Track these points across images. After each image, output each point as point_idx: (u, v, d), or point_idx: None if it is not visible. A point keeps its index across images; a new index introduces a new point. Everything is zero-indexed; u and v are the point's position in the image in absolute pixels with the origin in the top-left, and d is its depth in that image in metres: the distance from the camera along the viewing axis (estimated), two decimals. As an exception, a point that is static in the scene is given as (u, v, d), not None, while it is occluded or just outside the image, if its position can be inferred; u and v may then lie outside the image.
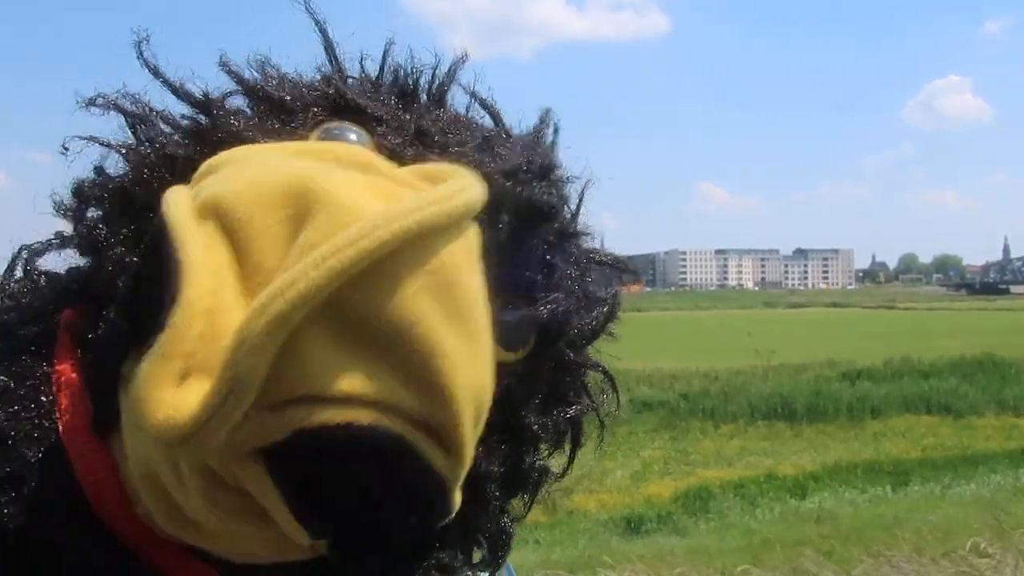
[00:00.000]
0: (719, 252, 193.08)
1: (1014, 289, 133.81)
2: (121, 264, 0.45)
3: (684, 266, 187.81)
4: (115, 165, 0.56)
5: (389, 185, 0.40)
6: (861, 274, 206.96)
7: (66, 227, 0.55)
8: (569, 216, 0.60)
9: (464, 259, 0.38)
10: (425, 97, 0.59)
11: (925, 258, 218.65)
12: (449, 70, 0.61)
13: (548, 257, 0.53)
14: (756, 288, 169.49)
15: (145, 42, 0.56)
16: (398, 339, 0.36)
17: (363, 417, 0.36)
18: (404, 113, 0.55)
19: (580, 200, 0.62)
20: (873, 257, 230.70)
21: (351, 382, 0.36)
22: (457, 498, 0.43)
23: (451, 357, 0.37)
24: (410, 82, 0.59)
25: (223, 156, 0.45)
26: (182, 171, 0.48)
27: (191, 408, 0.34)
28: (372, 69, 0.61)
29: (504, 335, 0.49)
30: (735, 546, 9.35)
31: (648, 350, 34.75)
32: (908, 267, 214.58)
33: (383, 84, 0.59)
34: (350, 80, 0.59)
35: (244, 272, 0.37)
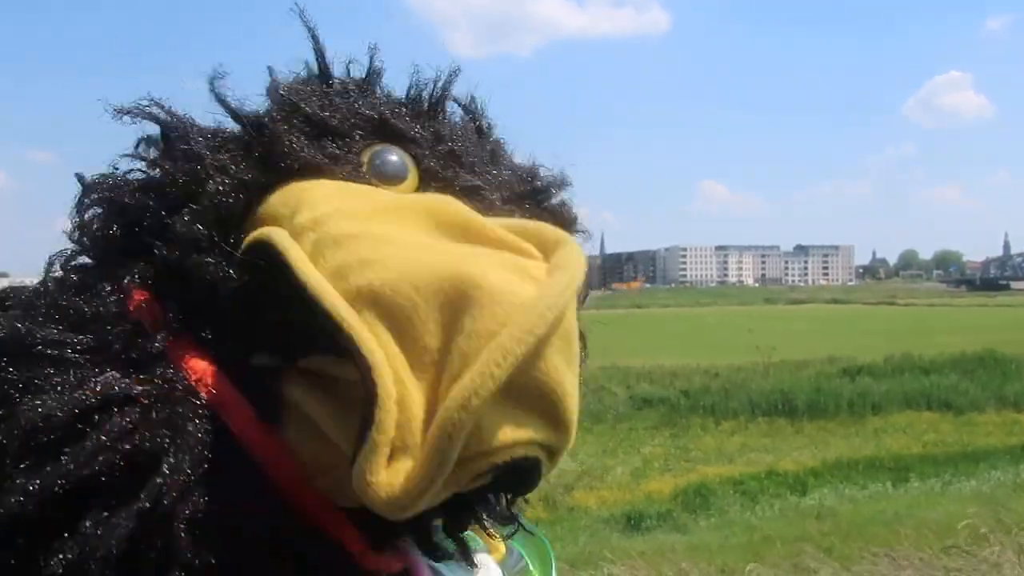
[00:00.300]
0: (719, 248, 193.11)
1: (1015, 285, 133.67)
2: (225, 287, 0.50)
3: (684, 262, 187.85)
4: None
5: (515, 259, 0.47)
6: (861, 270, 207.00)
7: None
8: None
9: (575, 313, 0.46)
10: (433, 110, 0.64)
11: (925, 254, 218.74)
12: (445, 83, 0.64)
13: None
14: (756, 284, 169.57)
15: (220, 78, 0.59)
16: (546, 396, 0.44)
17: (520, 452, 0.45)
18: (435, 132, 0.60)
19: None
20: (874, 253, 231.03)
21: (514, 433, 0.44)
22: None
23: (572, 395, 0.45)
24: (425, 100, 0.63)
25: (321, 211, 0.50)
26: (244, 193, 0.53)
27: (403, 485, 0.42)
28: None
29: None
30: (736, 543, 9.36)
31: (648, 347, 34.73)
32: (908, 263, 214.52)
33: (407, 102, 0.63)
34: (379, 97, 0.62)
35: (412, 355, 0.44)
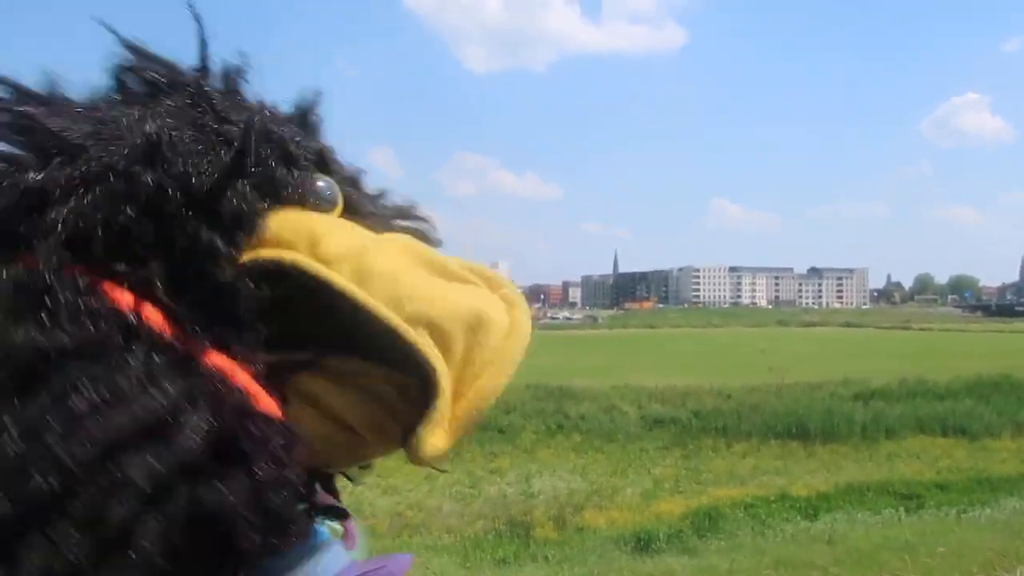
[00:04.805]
0: (732, 270, 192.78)
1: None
2: (244, 296, 0.58)
3: (697, 283, 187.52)
4: None
5: (489, 295, 0.64)
6: (876, 294, 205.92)
7: None
8: None
9: None
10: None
11: (941, 278, 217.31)
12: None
13: None
14: (770, 306, 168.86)
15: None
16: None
17: None
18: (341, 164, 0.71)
19: None
20: (888, 277, 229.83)
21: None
22: None
23: None
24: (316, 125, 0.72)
25: (346, 246, 0.62)
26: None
27: (443, 447, 0.58)
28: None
29: None
30: (744, 567, 9.25)
31: (660, 367, 34.62)
32: (923, 287, 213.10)
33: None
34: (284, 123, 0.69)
35: (448, 361, 0.59)
